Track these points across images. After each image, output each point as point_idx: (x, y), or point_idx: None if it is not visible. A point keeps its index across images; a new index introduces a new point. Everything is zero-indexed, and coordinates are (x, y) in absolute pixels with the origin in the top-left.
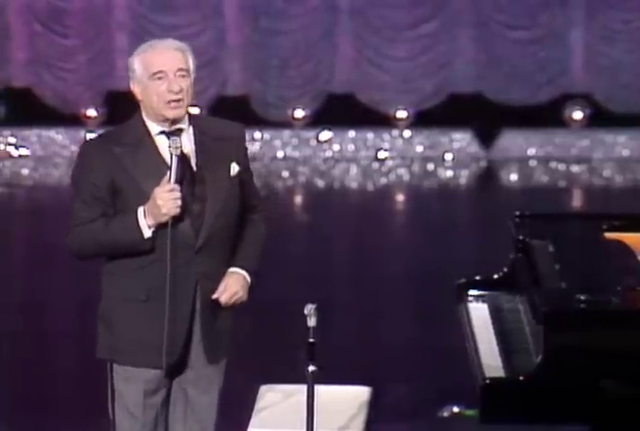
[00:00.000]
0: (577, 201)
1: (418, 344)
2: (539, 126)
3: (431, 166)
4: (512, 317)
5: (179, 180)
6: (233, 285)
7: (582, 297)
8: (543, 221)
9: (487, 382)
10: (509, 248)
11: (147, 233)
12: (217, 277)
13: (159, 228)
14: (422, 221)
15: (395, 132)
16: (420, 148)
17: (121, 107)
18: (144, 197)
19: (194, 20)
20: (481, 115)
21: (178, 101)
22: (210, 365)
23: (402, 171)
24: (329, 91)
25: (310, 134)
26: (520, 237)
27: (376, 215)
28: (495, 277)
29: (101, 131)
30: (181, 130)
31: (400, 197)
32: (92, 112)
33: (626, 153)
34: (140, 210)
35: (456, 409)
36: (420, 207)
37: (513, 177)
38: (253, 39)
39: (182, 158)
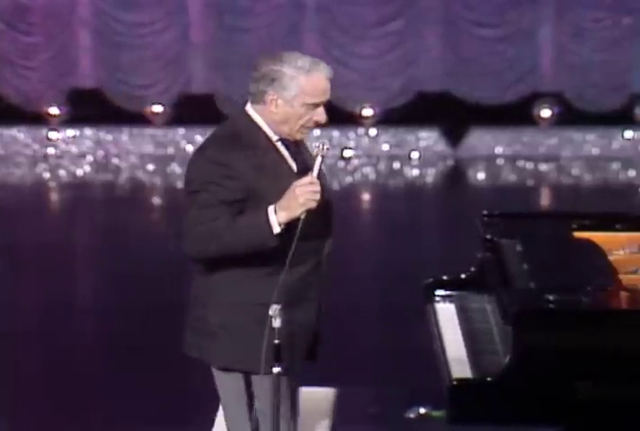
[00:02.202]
0: (546, 200)
1: (384, 345)
2: (507, 124)
3: (397, 165)
4: (480, 317)
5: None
6: None
7: (552, 297)
8: (511, 220)
9: (454, 383)
10: (477, 247)
11: (277, 229)
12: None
13: (291, 225)
14: (388, 220)
15: (361, 130)
16: (386, 147)
17: (84, 105)
18: (276, 201)
19: (158, 17)
20: (448, 113)
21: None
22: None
23: (368, 170)
24: None
25: None
26: (489, 236)
27: (341, 215)
28: (463, 276)
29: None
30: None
31: (366, 197)
32: (54, 110)
33: (595, 151)
34: (271, 207)
35: (423, 411)
36: (386, 207)
37: (481, 175)
38: (218, 36)
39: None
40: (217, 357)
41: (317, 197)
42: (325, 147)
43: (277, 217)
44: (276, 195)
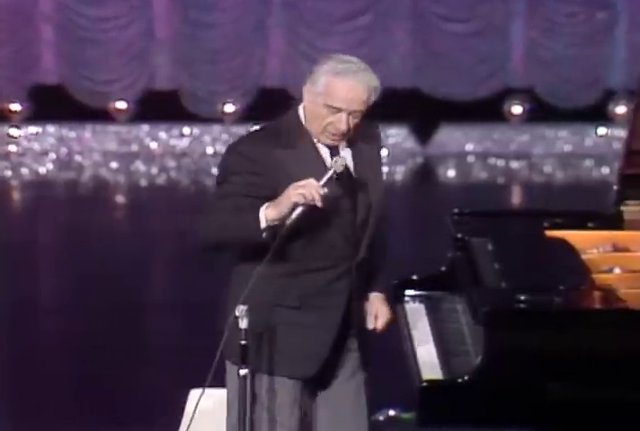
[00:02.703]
0: (517, 198)
1: None
2: (478, 121)
3: None
4: (450, 317)
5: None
6: (384, 311)
7: (523, 297)
8: (482, 219)
9: (424, 384)
10: (447, 246)
11: (263, 224)
12: (363, 291)
13: (313, 234)
14: None
15: None
16: None
17: (47, 101)
18: None
19: (122, 11)
20: (418, 110)
21: (338, 135)
22: (364, 371)
23: None
24: (260, 85)
25: (241, 129)
26: (459, 235)
27: None
28: (433, 276)
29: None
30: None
31: None
32: (16, 107)
33: (567, 148)
34: (266, 203)
35: (392, 413)
36: None
37: (451, 173)
38: (183, 31)
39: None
40: (231, 352)
41: (309, 197)
42: (340, 164)
43: (266, 213)
44: None
